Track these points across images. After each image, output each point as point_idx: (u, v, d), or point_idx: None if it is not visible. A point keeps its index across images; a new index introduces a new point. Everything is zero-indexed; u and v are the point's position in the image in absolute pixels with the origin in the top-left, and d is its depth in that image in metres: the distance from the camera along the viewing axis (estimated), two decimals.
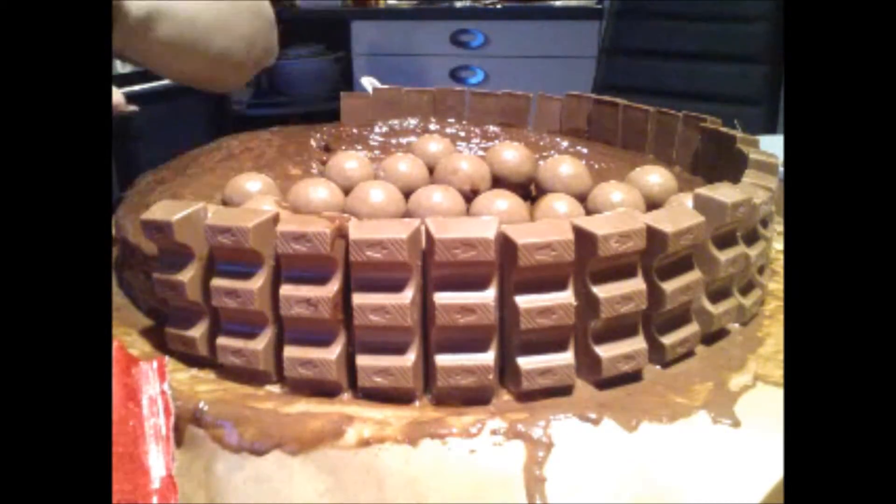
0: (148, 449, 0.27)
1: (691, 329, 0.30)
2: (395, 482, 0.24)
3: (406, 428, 0.25)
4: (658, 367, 0.30)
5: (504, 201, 0.36)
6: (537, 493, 0.24)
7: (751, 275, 0.34)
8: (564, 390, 0.28)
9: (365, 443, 0.25)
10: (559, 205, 0.38)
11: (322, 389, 0.28)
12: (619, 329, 0.28)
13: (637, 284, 0.28)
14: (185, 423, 0.27)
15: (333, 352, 0.27)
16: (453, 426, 0.25)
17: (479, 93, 0.59)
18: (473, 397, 0.27)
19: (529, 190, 0.44)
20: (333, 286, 0.27)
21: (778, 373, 0.30)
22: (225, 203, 0.40)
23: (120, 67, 1.55)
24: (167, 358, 0.30)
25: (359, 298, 0.26)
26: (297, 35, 2.20)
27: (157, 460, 0.27)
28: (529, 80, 1.92)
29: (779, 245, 0.41)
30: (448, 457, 0.25)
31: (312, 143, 0.53)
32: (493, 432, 0.25)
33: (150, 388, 0.28)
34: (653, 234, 0.28)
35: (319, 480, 0.25)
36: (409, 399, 0.28)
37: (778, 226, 0.40)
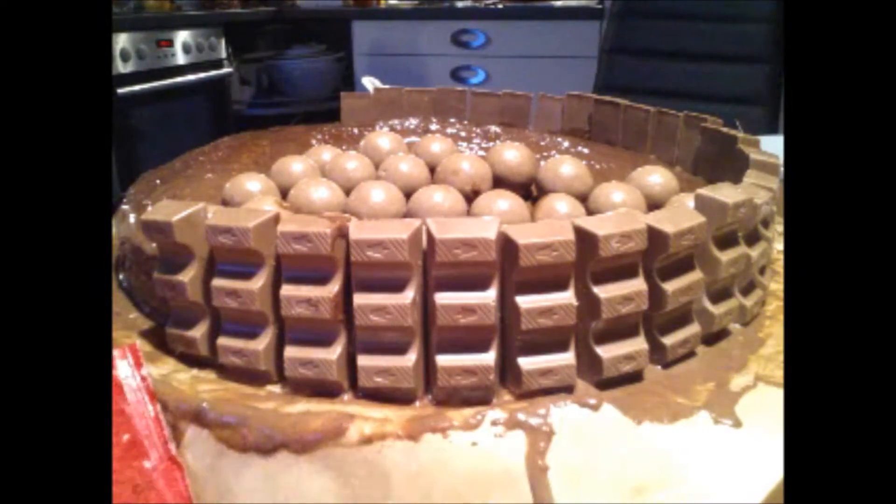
0: (145, 434, 0.27)
1: (692, 329, 0.30)
2: (399, 477, 0.25)
3: (407, 424, 0.25)
4: (659, 367, 0.30)
5: (505, 201, 0.36)
6: (540, 484, 0.24)
7: (752, 275, 0.34)
8: (565, 390, 0.28)
9: (367, 440, 0.25)
10: (560, 205, 0.37)
11: (323, 389, 0.28)
12: (619, 329, 0.28)
13: (638, 285, 0.28)
14: (187, 423, 0.27)
15: (334, 352, 0.27)
16: (453, 419, 0.25)
17: (480, 93, 0.59)
18: (474, 397, 0.27)
19: (530, 190, 0.44)
20: (334, 286, 0.27)
21: (779, 373, 0.30)
22: (225, 203, 0.40)
23: (121, 67, 1.55)
24: (137, 343, 0.30)
25: (360, 299, 0.26)
26: (298, 35, 2.20)
27: (155, 443, 0.27)
28: (530, 80, 1.92)
29: (780, 245, 0.41)
30: (450, 450, 0.25)
31: (313, 142, 0.53)
32: (494, 423, 0.25)
33: (130, 377, 0.28)
34: (654, 235, 0.28)
35: (327, 478, 0.25)
36: (410, 399, 0.28)
37: (779, 226, 0.40)
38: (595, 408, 0.26)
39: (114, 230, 0.39)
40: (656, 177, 0.41)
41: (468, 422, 0.25)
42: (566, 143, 0.54)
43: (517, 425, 0.25)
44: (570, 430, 0.25)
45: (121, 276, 0.38)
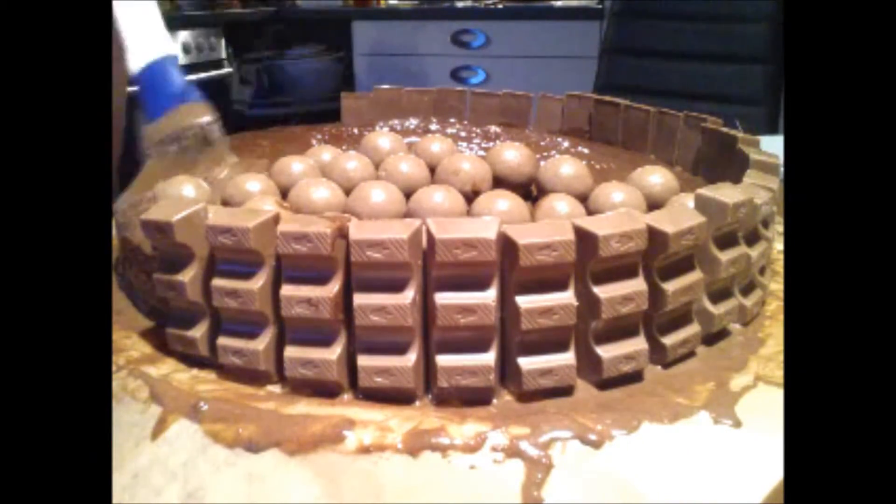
0: None
1: (692, 329, 0.30)
2: (393, 492, 0.24)
3: (407, 437, 0.25)
4: (659, 367, 0.30)
5: (505, 201, 0.36)
6: None
7: (752, 275, 0.34)
8: (565, 391, 0.28)
9: (365, 450, 0.25)
10: (560, 205, 0.37)
11: (323, 390, 0.28)
12: (619, 329, 0.28)
13: (638, 285, 0.28)
14: (175, 417, 0.27)
15: (334, 352, 0.27)
16: (455, 437, 0.25)
17: (480, 93, 0.59)
18: (474, 397, 0.27)
19: (530, 190, 0.44)
20: (334, 286, 0.27)
21: (779, 373, 0.30)
22: (225, 203, 0.40)
23: None
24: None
25: (360, 299, 0.26)
26: (298, 35, 2.20)
27: None
28: (530, 80, 1.92)
29: (780, 245, 0.41)
30: (448, 470, 0.25)
31: (313, 142, 0.53)
32: (494, 448, 0.25)
33: None
34: (654, 235, 0.28)
35: (316, 483, 0.25)
36: (410, 399, 0.27)
37: (779, 226, 0.40)
38: (597, 445, 0.26)
39: (114, 230, 0.39)
40: (656, 177, 0.41)
41: (469, 444, 0.25)
42: (566, 143, 0.54)
43: (517, 454, 0.25)
44: (569, 465, 0.25)
45: (121, 277, 0.38)
